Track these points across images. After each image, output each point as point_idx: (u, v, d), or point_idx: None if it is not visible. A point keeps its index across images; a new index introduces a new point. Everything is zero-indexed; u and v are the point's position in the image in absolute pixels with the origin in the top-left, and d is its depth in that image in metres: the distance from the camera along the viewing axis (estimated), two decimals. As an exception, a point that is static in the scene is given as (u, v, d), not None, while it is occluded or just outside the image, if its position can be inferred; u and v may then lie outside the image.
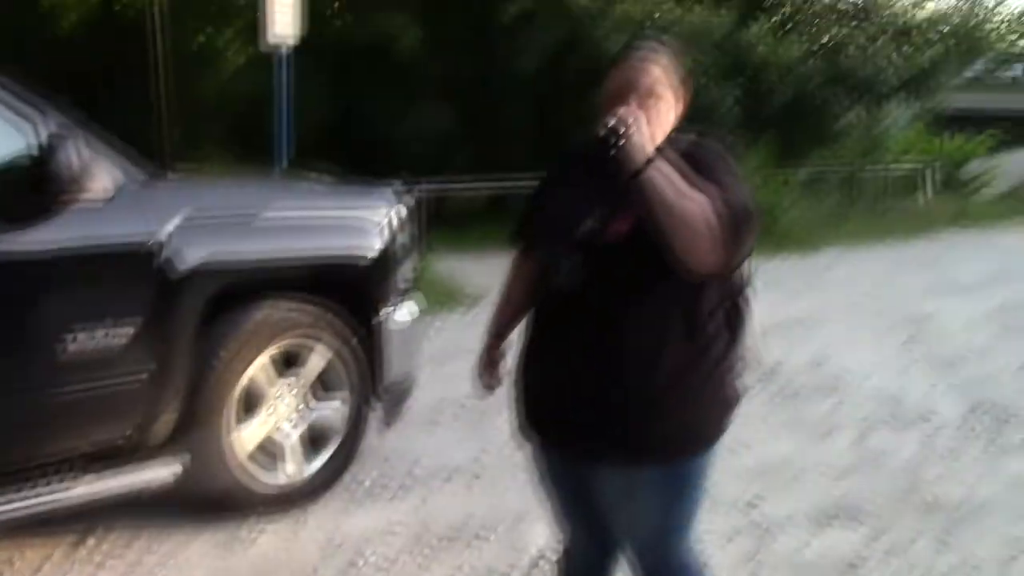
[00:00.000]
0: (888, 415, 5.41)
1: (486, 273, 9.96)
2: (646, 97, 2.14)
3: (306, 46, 16.63)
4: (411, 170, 14.33)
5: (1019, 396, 5.83)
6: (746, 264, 2.25)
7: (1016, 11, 18.52)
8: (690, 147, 2.16)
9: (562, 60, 14.16)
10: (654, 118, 2.13)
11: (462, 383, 5.77)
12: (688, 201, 1.93)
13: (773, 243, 12.24)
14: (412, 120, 14.66)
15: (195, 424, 3.51)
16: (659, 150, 2.10)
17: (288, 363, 3.84)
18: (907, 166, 18.21)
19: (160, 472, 3.46)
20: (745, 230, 1.99)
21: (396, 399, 4.26)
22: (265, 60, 9.59)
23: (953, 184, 18.54)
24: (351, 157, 18.39)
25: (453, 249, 11.90)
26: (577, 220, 2.14)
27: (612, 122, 1.94)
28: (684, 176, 1.99)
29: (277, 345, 3.72)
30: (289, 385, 3.84)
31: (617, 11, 13.26)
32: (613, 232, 2.09)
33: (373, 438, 4.69)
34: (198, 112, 19.75)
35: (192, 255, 3.37)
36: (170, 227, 3.32)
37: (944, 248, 13.27)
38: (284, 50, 8.57)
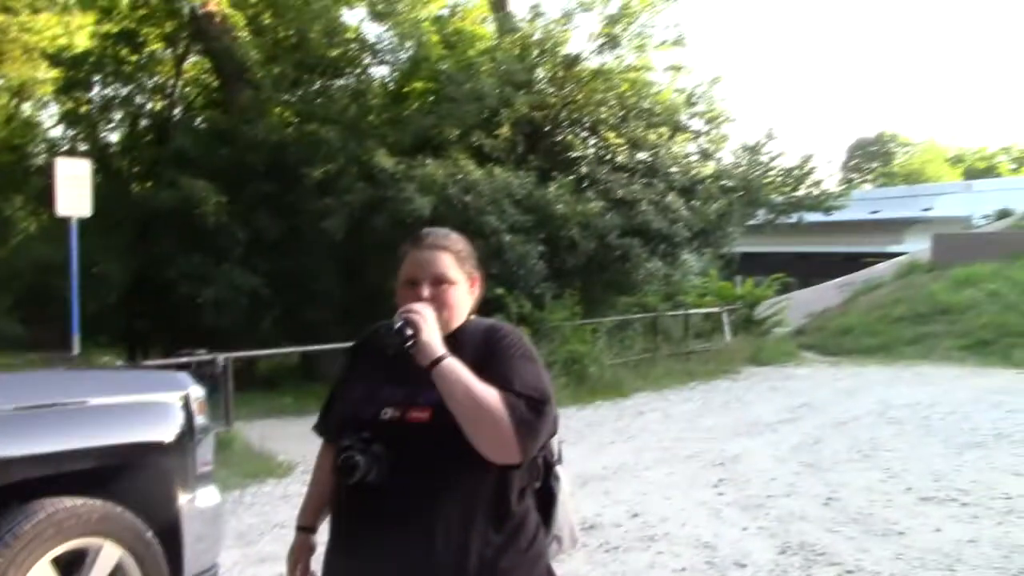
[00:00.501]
0: (704, 563, 5.48)
1: (298, 439, 9.59)
2: (438, 283, 2.16)
3: (106, 212, 16.28)
4: (217, 334, 14.01)
5: (825, 533, 6.04)
6: (553, 441, 2.26)
7: (788, 166, 20.03)
8: (486, 331, 2.19)
9: (367, 221, 14.31)
10: (448, 303, 2.17)
11: (273, 563, 5.54)
12: (480, 395, 1.98)
13: (585, 392, 12.52)
14: (218, 284, 14.34)
15: (-38, 644, 3.13)
16: (455, 335, 2.15)
17: (73, 565, 3.50)
18: (705, 310, 19.20)
19: None
20: (538, 419, 2.02)
21: (198, 593, 3.95)
22: (60, 226, 9.24)
23: (748, 325, 19.63)
24: (154, 321, 17.85)
25: (262, 414, 11.50)
26: (374, 410, 2.11)
27: (401, 320, 2.01)
28: (478, 366, 2.04)
29: (61, 547, 3.39)
30: (74, 589, 3.49)
31: (420, 173, 13.59)
32: (413, 420, 2.06)
33: (174, 636, 4.34)
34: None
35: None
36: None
37: (745, 387, 13.91)
38: (74, 223, 8.23)
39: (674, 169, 17.49)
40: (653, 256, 16.51)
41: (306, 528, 2.41)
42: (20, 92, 22.08)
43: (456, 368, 1.99)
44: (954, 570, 5.30)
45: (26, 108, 22.57)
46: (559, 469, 2.34)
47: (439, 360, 1.99)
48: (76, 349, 8.04)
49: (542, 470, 2.27)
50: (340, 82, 17.65)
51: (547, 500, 2.29)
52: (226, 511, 6.83)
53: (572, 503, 2.38)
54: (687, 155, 18.76)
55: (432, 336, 2.01)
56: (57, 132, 20.99)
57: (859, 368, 16.10)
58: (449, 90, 15.62)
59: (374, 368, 2.22)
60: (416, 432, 2.04)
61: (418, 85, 17.48)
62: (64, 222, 8.74)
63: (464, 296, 2.24)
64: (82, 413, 3.59)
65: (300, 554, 2.40)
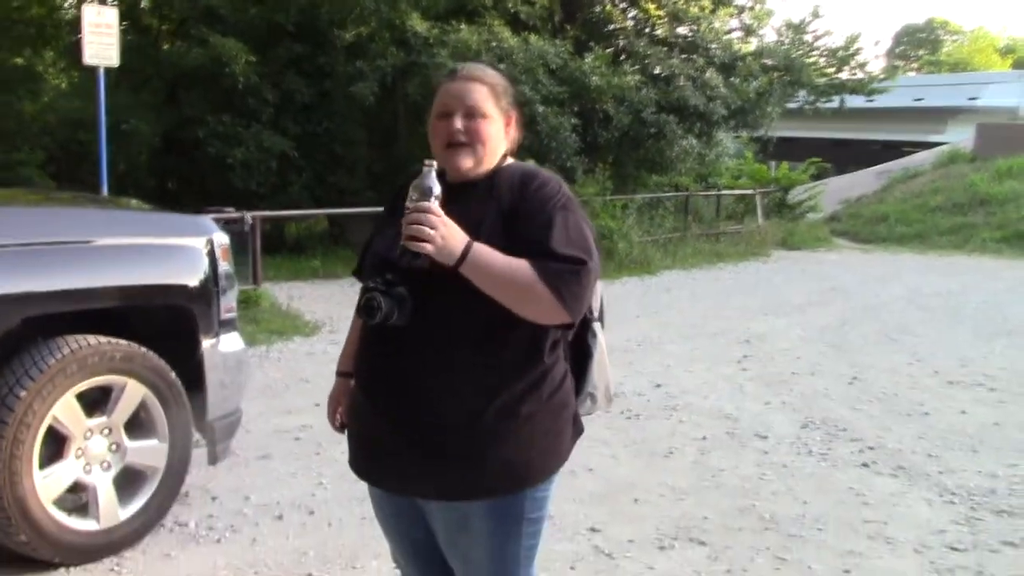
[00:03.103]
0: (725, 434, 5.49)
1: (325, 300, 9.74)
2: (472, 116, 2.05)
3: (136, 69, 16.08)
4: (246, 196, 13.99)
5: (847, 411, 6.03)
6: (595, 296, 2.19)
7: (833, 46, 19.46)
8: (523, 176, 2.08)
9: (399, 87, 14.07)
10: (482, 137, 2.06)
11: (297, 415, 5.61)
12: (514, 278, 1.90)
13: (612, 268, 12.46)
14: (247, 145, 14.22)
15: (-11, 471, 3.17)
16: (489, 177, 2.07)
17: (98, 402, 3.53)
18: (739, 192, 18.94)
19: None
20: (582, 280, 1.94)
21: (222, 435, 3.99)
22: (90, 82, 9.11)
23: (781, 209, 19.38)
24: (184, 182, 17.86)
25: (291, 277, 11.57)
26: (400, 253, 2.03)
27: (410, 234, 1.86)
28: (512, 213, 1.98)
29: (84, 383, 3.41)
30: (99, 425, 3.52)
31: (453, 38, 13.25)
32: (439, 264, 1.98)
33: (200, 476, 4.41)
34: (18, 134, 18.83)
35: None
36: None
37: (774, 270, 13.80)
38: (101, 72, 8.09)
39: (714, 45, 17.00)
40: (688, 134, 16.16)
41: (344, 373, 2.37)
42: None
43: (480, 259, 1.89)
44: (976, 451, 5.27)
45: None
46: (596, 326, 2.27)
47: (461, 259, 1.88)
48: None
49: (580, 323, 2.18)
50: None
51: (581, 355, 2.23)
52: (252, 364, 6.94)
53: (608, 361, 2.31)
54: (729, 31, 18.22)
55: (446, 243, 1.87)
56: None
57: (892, 256, 15.92)
58: (487, -47, 15.10)
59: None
60: (442, 276, 1.96)
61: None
62: (93, 75, 8.60)
63: (499, 134, 2.12)
64: (106, 251, 3.55)
65: (338, 398, 2.37)
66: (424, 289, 1.97)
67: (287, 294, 9.92)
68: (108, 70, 8.66)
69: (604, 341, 2.31)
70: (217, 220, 8.73)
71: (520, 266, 1.90)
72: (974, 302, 10.74)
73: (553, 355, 2.09)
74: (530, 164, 2.20)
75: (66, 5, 20.81)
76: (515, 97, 2.20)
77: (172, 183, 18.66)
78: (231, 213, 9.15)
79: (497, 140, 2.12)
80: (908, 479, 4.77)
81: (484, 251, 1.90)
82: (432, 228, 1.85)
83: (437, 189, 1.89)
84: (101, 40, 7.77)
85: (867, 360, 7.58)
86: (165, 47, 17.75)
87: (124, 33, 18.65)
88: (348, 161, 15.73)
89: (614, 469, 4.84)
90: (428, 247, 1.85)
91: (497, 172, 2.11)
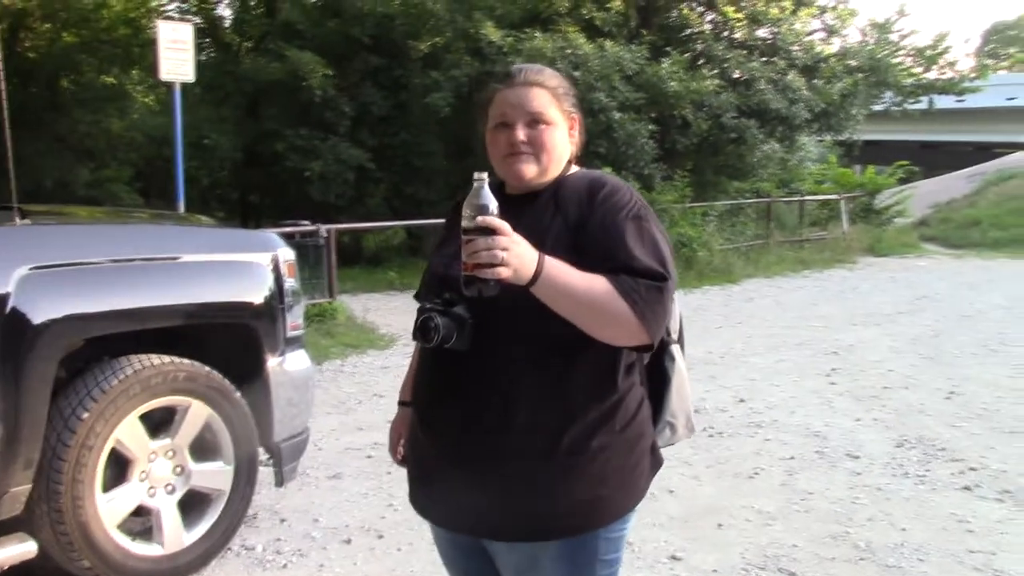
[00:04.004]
0: (815, 453, 5.20)
1: (401, 313, 9.66)
2: (535, 124, 1.89)
3: (217, 85, 16.36)
4: (325, 208, 14.08)
5: (945, 429, 5.68)
6: (672, 319, 2.00)
7: (920, 46, 18.87)
8: (591, 185, 1.90)
9: (474, 96, 13.98)
10: (547, 146, 1.89)
11: (370, 432, 5.50)
12: (590, 296, 1.70)
13: (693, 276, 12.19)
14: (325, 157, 14.32)
15: (53, 494, 3.10)
16: (555, 187, 1.90)
17: (162, 423, 3.45)
18: (823, 197, 18.44)
19: (12, 550, 3.05)
20: (661, 297, 1.74)
21: (289, 456, 3.89)
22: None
23: (867, 214, 18.81)
24: (265, 195, 18.10)
25: (367, 289, 11.56)
26: (459, 270, 1.86)
27: (477, 261, 1.62)
28: (580, 224, 1.80)
29: (148, 404, 3.33)
30: (163, 447, 3.44)
31: (528, 46, 13.13)
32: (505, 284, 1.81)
33: (267, 497, 4.33)
34: (107, 151, 19.34)
35: (45, 307, 2.99)
36: (17, 276, 2.94)
37: (861, 277, 13.34)
38: (177, 88, 8.15)
39: (796, 47, 16.60)
40: (770, 139, 15.84)
41: (407, 403, 2.20)
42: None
43: (554, 277, 1.68)
44: (1089, 473, 4.90)
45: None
46: (675, 348, 2.07)
47: (534, 280, 1.66)
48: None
49: (657, 346, 2.00)
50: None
51: (659, 380, 2.04)
52: (326, 379, 6.89)
53: (689, 386, 2.11)
54: (811, 32, 17.77)
55: (520, 263, 1.65)
56: (172, 7, 21.07)
57: (986, 262, 15.28)
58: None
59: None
60: (507, 293, 1.79)
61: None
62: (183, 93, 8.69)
63: (564, 140, 1.94)
64: (169, 269, 3.47)
65: (400, 429, 2.22)
66: (486, 309, 1.80)
67: (363, 306, 9.88)
68: (190, 86, 8.70)
69: (684, 365, 2.11)
70: (292, 233, 8.81)
71: (596, 282, 1.71)
72: (1077, 310, 10.19)
73: (628, 381, 1.90)
74: (596, 171, 2.01)
75: (151, 26, 21.30)
76: (576, 97, 2.02)
77: (254, 196, 18.97)
78: (306, 226, 9.14)
79: (562, 147, 1.94)
80: (1015, 504, 4.44)
81: (557, 266, 1.69)
82: (503, 250, 1.62)
83: (493, 205, 1.64)
84: (176, 56, 7.82)
85: (965, 373, 7.19)
86: (245, 62, 18.05)
87: (206, 50, 19.12)
88: (425, 172, 15.74)
89: (696, 491, 4.61)
90: (502, 272, 1.62)
91: (562, 181, 1.93)
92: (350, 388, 6.74)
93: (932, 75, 19.22)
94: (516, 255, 1.63)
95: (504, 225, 1.63)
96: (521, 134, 1.88)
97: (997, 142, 31.83)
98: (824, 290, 12.05)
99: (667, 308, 1.76)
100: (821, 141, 20.07)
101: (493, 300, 1.74)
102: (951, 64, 19.00)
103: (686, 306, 10.33)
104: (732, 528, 4.14)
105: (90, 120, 19.84)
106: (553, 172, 1.92)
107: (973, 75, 19.62)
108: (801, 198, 17.78)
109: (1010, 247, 16.82)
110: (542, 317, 1.75)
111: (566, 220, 1.84)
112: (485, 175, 1.70)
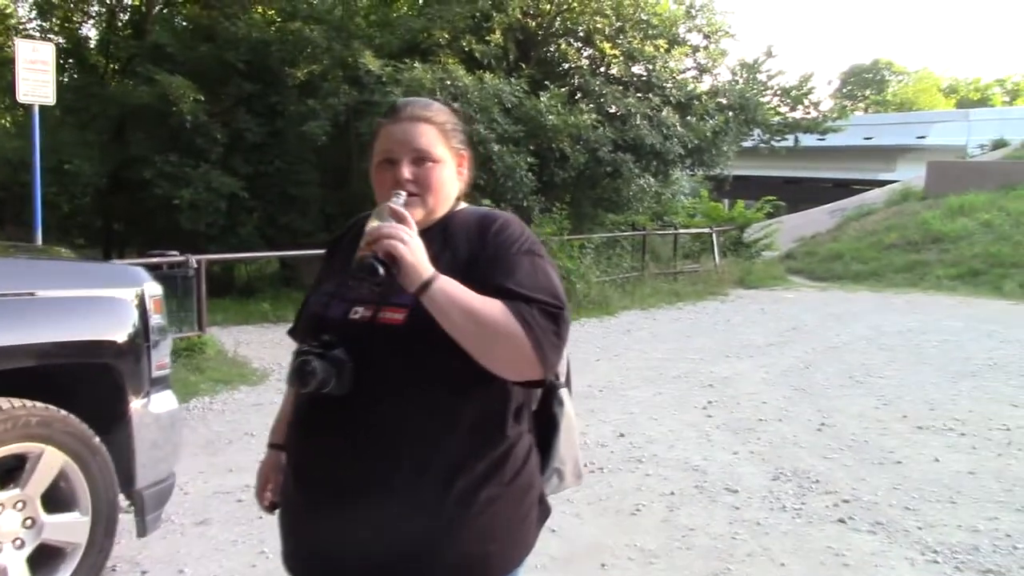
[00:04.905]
0: (694, 488, 5.22)
1: (274, 346, 9.37)
2: (420, 161, 1.79)
3: (81, 108, 15.69)
4: (195, 237, 13.60)
5: (819, 460, 5.79)
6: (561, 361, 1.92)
7: (787, 85, 19.60)
8: (481, 221, 1.82)
9: (352, 126, 13.82)
10: (433, 184, 1.81)
11: (240, 474, 5.25)
12: (483, 313, 1.61)
13: (571, 308, 12.20)
14: (196, 185, 13.86)
15: None
16: (443, 225, 1.82)
17: (11, 472, 3.18)
18: (695, 230, 18.88)
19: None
20: (558, 326, 1.67)
21: (152, 504, 3.64)
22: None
23: (737, 247, 19.34)
24: (131, 224, 17.40)
25: (239, 321, 11.19)
26: (343, 309, 1.76)
27: (371, 258, 1.60)
28: (472, 262, 1.72)
29: (-6, 452, 3.07)
30: (11, 498, 3.17)
31: (407, 77, 13.04)
32: (384, 321, 1.70)
33: (129, 548, 4.06)
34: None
35: None
36: None
37: (733, 309, 13.64)
38: (36, 111, 7.73)
39: (669, 84, 16.98)
40: (645, 173, 16.10)
41: (277, 446, 2.06)
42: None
43: (449, 288, 1.61)
44: (954, 503, 5.06)
45: (0, -2, 21.66)
46: (563, 392, 2.00)
47: (427, 284, 1.60)
48: (37, 242, 7.62)
49: (544, 390, 1.92)
50: (326, -21, 16.90)
51: (547, 426, 1.95)
52: (194, 417, 6.59)
53: (577, 432, 2.04)
54: (684, 70, 18.26)
55: (415, 257, 1.61)
56: (33, 25, 20.17)
57: (849, 294, 15.85)
58: (440, -9, 15.00)
59: (349, 261, 1.87)
60: (387, 336, 1.68)
61: (409, -15, 16.81)
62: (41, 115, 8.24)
63: (451, 177, 1.87)
64: (22, 305, 3.21)
65: (269, 474, 2.07)
66: (366, 352, 1.69)
67: (235, 340, 9.53)
68: (50, 108, 8.26)
69: (572, 409, 2.03)
70: (160, 264, 8.44)
71: (491, 302, 1.63)
72: (934, 341, 10.63)
73: (517, 428, 1.82)
74: (485, 208, 1.93)
75: (9, 44, 20.35)
76: (465, 133, 1.94)
77: (119, 224, 18.19)
78: (175, 256, 8.78)
79: (450, 185, 1.87)
80: (887, 536, 4.53)
81: (452, 281, 1.63)
82: (407, 235, 1.62)
83: (412, 218, 1.68)
84: (36, 77, 7.41)
85: (834, 404, 7.38)
86: (112, 85, 17.39)
87: (69, 71, 18.33)
88: (300, 202, 15.40)
89: (579, 529, 4.56)
90: (400, 248, 1.59)
91: (450, 218, 1.85)
92: (219, 427, 6.46)
93: (797, 114, 19.99)
94: (417, 247, 1.62)
95: (411, 221, 1.66)
96: (406, 172, 1.80)
97: (856, 179, 33.36)
98: (698, 322, 12.26)
99: (562, 338, 1.68)
100: (693, 175, 20.59)
101: (373, 340, 1.65)
102: (815, 104, 19.80)
103: (565, 339, 10.43)
104: (615, 568, 4.10)
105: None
106: (441, 211, 1.85)
107: (835, 115, 20.48)
108: (675, 231, 18.14)
109: (870, 280, 17.53)
110: (427, 359, 1.66)
111: (455, 256, 1.76)
112: (404, 194, 1.74)
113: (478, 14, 15.12)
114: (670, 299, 14.39)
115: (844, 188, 32.11)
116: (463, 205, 1.92)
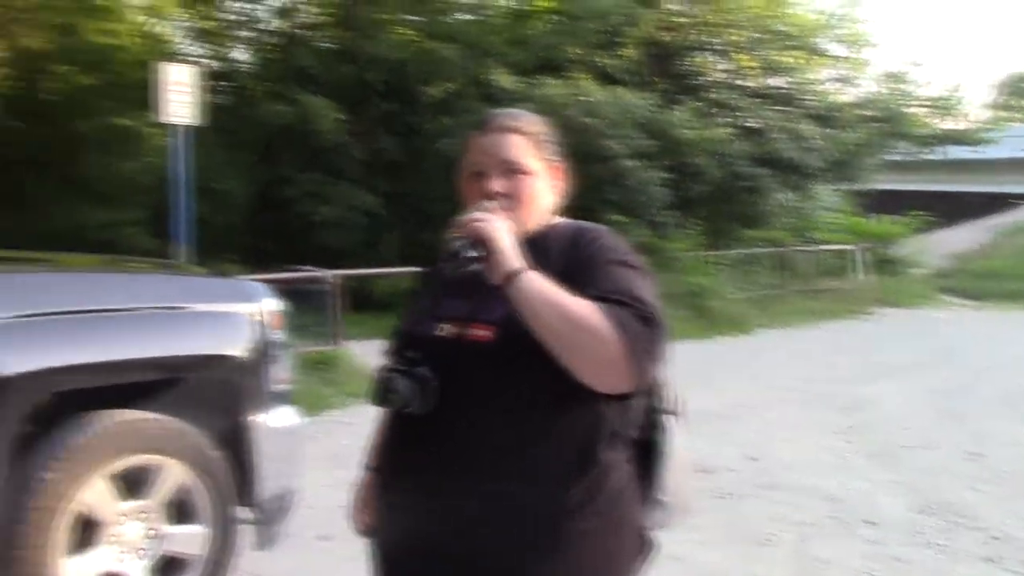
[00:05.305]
0: (829, 518, 4.95)
1: (405, 362, 9.48)
2: (511, 173, 1.72)
3: (232, 130, 16.39)
4: (336, 253, 13.97)
5: (969, 493, 5.42)
6: (664, 383, 1.81)
7: (935, 95, 18.75)
8: (575, 234, 1.74)
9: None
10: (524, 197, 1.75)
11: (361, 491, 5.27)
12: (572, 309, 1.52)
13: (705, 326, 11.98)
14: (335, 203, 14.24)
15: (13, 561, 2.91)
16: (535, 239, 1.70)
17: (135, 483, 3.26)
18: (837, 247, 18.25)
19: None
20: (651, 332, 1.54)
21: (272, 518, 3.68)
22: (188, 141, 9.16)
23: (882, 265, 18.60)
24: (278, 241, 18.04)
25: (375, 335, 11.34)
26: (430, 326, 1.70)
27: (461, 241, 1.58)
28: (565, 276, 1.60)
29: (118, 463, 3.14)
30: (135, 509, 3.24)
31: (539, 93, 13.07)
32: (472, 339, 1.63)
33: (250, 561, 4.10)
34: (120, 194, 19.43)
35: (8, 359, 2.82)
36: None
37: (877, 329, 13.11)
38: (180, 132, 8.08)
39: (810, 96, 16.52)
40: (784, 187, 15.69)
41: (374, 467, 2.03)
42: (152, 9, 22.39)
43: (538, 281, 1.54)
44: (1122, 543, 4.65)
45: (159, 26, 22.86)
46: (668, 420, 1.87)
47: (515, 273, 1.54)
48: (181, 258, 7.96)
49: (646, 415, 1.80)
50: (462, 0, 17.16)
51: (649, 455, 1.83)
52: (322, 431, 6.68)
53: (685, 462, 1.90)
54: (824, 81, 17.69)
55: (506, 246, 1.57)
56: (189, 50, 21.20)
57: (1005, 314, 15.02)
58: (573, 7, 14.99)
59: (442, 279, 1.82)
60: (474, 354, 1.62)
61: (541, 3, 16.88)
62: (186, 135, 8.61)
63: (544, 189, 1.80)
64: (146, 320, 3.30)
65: (364, 496, 2.03)
66: (453, 370, 1.63)
67: (368, 355, 9.68)
68: (205, 130, 8.61)
69: (679, 438, 1.90)
70: (297, 279, 8.67)
71: (582, 300, 1.54)
72: (1101, 365, 9.92)
73: (611, 454, 1.70)
74: (581, 222, 1.85)
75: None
76: (557, 145, 1.86)
77: (267, 241, 18.91)
78: (311, 272, 9.01)
79: (542, 196, 1.79)
80: (1042, 577, 4.19)
81: (541, 276, 1.56)
82: (492, 227, 1.60)
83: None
84: (179, 99, 7.75)
85: (986, 431, 6.93)
86: (261, 107, 18.09)
87: (221, 93, 19.19)
88: (437, 219, 15.60)
89: (703, 557, 4.37)
90: (489, 229, 1.57)
91: (544, 232, 1.77)
92: (347, 440, 6.52)
93: (948, 125, 19.11)
94: (508, 235, 1.59)
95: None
96: (496, 184, 1.73)
97: (1012, 193, 31.66)
98: (840, 342, 11.81)
99: (655, 348, 1.56)
100: (835, 189, 19.94)
101: (458, 357, 1.59)
102: (966, 115, 18.89)
103: (697, 356, 10.16)
104: (742, 600, 3.91)
105: (104, 163, 19.94)
106: (533, 224, 1.76)
107: (989, 126, 19.48)
108: (816, 247, 17.59)
109: (1029, 299, 16.57)
110: (515, 377, 1.58)
111: (548, 269, 1.66)
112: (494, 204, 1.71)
113: (611, 29, 15.04)
114: (810, 317, 13.93)
115: (999, 203, 30.48)
116: (559, 219, 1.85)
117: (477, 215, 1.62)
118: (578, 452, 1.64)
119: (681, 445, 1.89)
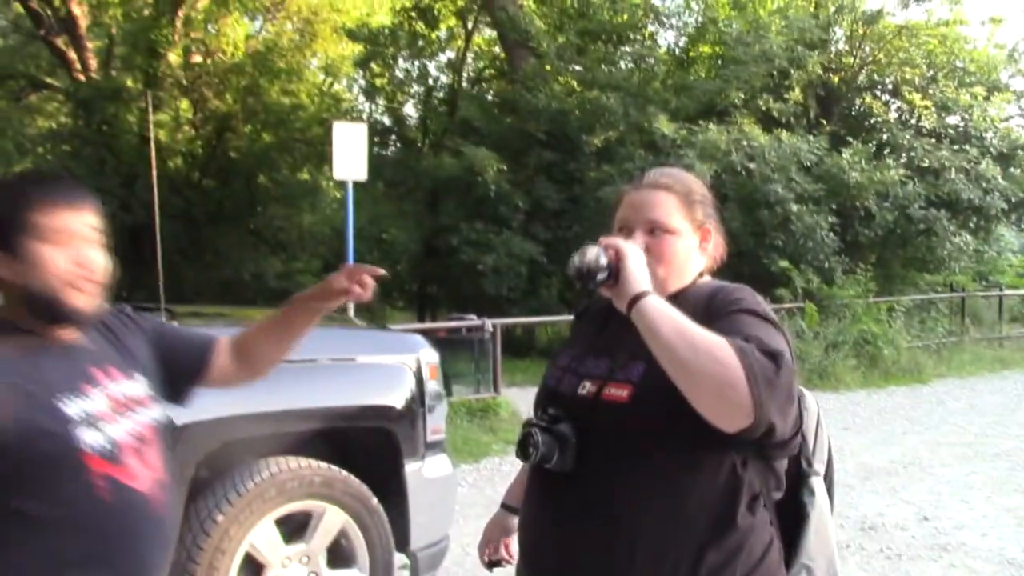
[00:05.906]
0: (1008, 584, 4.67)
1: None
2: (654, 230, 1.74)
3: (399, 181, 17.04)
4: (498, 301, 14.23)
5: None
6: (812, 442, 1.79)
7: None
8: (712, 293, 1.72)
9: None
10: (665, 256, 1.74)
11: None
12: (694, 334, 1.49)
13: (877, 376, 11.54)
14: (497, 251, 14.53)
15: (186, 599, 3.10)
16: (674, 299, 1.65)
17: (297, 528, 3.42)
18: (1023, 292, 17.22)
19: None
20: (776, 370, 1.47)
21: (426, 565, 3.78)
22: (361, 194, 9.66)
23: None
24: (442, 287, 18.55)
25: (535, 383, 11.43)
26: (573, 383, 1.73)
27: (596, 250, 1.57)
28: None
29: (283, 508, 3.31)
30: (298, 553, 3.40)
31: (702, 139, 12.98)
32: (608, 398, 1.65)
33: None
34: (297, 244, 20.53)
35: (183, 411, 3.02)
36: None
37: (1069, 380, 12.24)
38: (350, 186, 8.51)
39: (989, 133, 15.72)
40: (962, 230, 14.94)
41: (508, 506, 2.11)
42: (330, 69, 23.63)
43: (662, 304, 1.52)
44: None
45: (335, 84, 24.09)
46: (815, 481, 1.82)
47: (640, 296, 1.53)
48: (351, 310, 8.32)
49: (788, 477, 1.75)
50: (624, 48, 17.29)
51: (795, 518, 1.79)
52: (482, 479, 6.79)
53: (832, 526, 1.85)
54: (1007, 118, 16.85)
55: (634, 268, 1.56)
56: (363, 106, 22.23)
57: None
58: (736, 52, 14.87)
59: (587, 336, 1.86)
60: (611, 413, 1.63)
61: (705, 49, 16.84)
62: (364, 188, 9.08)
63: (689, 250, 1.78)
64: (310, 371, 3.46)
65: (494, 531, 2.11)
66: (590, 430, 1.65)
67: (529, 402, 9.76)
68: (375, 182, 9.02)
69: (826, 501, 1.86)
70: (459, 327, 8.88)
71: (707, 330, 1.50)
72: None
73: (751, 518, 1.65)
74: (722, 282, 1.82)
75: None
76: (710, 207, 1.85)
77: (432, 288, 19.49)
78: (473, 320, 9.21)
79: (685, 258, 1.78)
80: None
81: (665, 302, 1.55)
82: (626, 250, 1.59)
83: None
84: (351, 155, 8.14)
85: None
86: (426, 159, 18.76)
87: (391, 146, 20.02)
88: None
89: (869, 621, 4.20)
90: (624, 248, 1.58)
91: (683, 292, 1.75)
92: (506, 488, 6.61)
93: None
94: (634, 260, 1.58)
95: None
96: (639, 241, 1.73)
97: None
98: (1023, 394, 11.11)
99: (781, 390, 1.48)
100: (1021, 231, 18.85)
101: (596, 416, 1.61)
102: None
103: (869, 407, 9.77)
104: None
105: (283, 215, 21.13)
106: (673, 286, 1.76)
107: None
108: (1000, 292, 16.65)
109: None
110: (651, 439, 1.59)
111: None
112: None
113: (776, 72, 14.81)
114: (993, 367, 13.16)
115: None
116: (706, 279, 1.84)
117: (616, 239, 1.62)
118: (716, 514, 1.62)
119: (827, 508, 1.85)
